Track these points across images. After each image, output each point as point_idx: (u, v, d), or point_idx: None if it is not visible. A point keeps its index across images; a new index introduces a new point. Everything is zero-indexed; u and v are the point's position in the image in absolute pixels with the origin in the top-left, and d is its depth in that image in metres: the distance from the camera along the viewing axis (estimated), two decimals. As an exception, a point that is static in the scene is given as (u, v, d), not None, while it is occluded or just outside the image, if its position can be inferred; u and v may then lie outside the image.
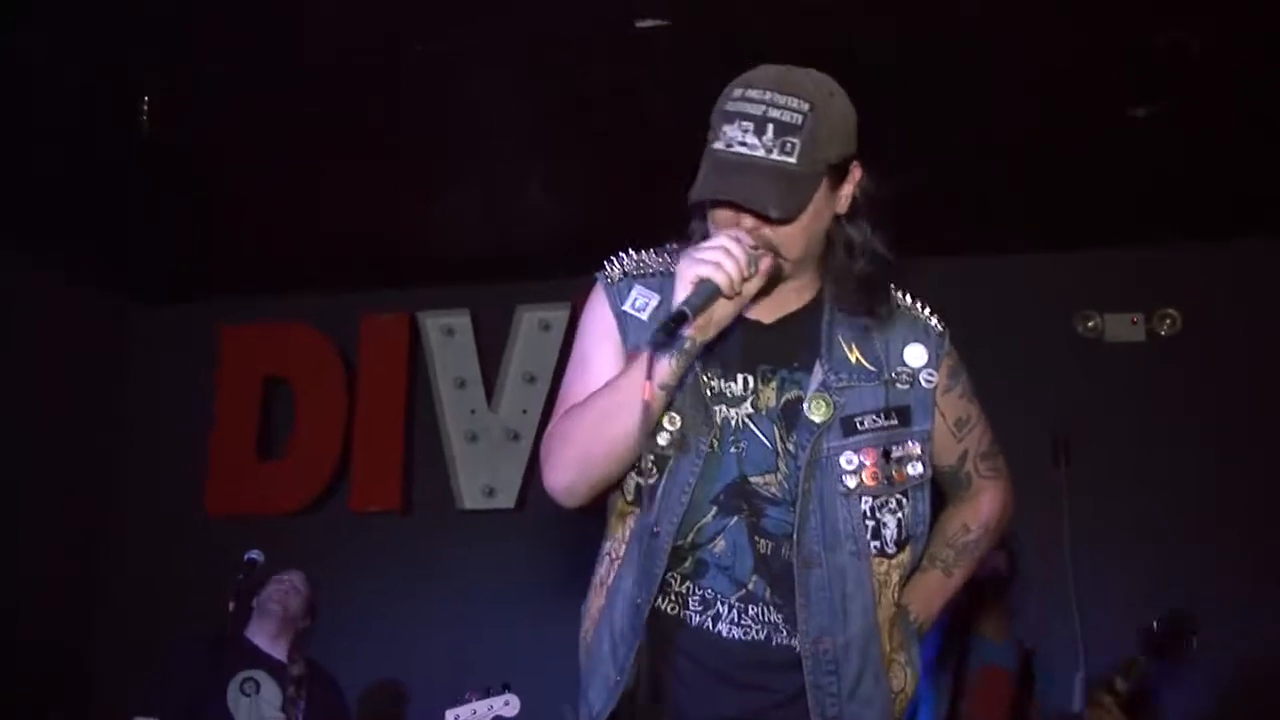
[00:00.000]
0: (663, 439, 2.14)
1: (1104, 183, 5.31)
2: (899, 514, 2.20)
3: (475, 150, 5.14)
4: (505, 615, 5.94)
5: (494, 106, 4.79)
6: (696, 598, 2.16)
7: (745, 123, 2.03)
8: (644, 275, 2.28)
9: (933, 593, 2.36)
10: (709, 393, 2.17)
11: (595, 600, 2.25)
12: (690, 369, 2.12)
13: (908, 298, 2.32)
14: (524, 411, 6.37)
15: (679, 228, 2.27)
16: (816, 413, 2.15)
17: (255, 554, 5.02)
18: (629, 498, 2.21)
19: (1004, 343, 5.64)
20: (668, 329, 1.96)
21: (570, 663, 2.31)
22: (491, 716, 4.40)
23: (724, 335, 2.11)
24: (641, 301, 2.25)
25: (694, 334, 2.04)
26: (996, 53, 4.33)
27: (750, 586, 2.15)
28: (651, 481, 2.14)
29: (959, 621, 4.75)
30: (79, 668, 6.27)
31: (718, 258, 2.00)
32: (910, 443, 2.22)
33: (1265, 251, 5.70)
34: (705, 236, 2.15)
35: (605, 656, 2.18)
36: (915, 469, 2.22)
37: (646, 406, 2.00)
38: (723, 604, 2.15)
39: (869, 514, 2.16)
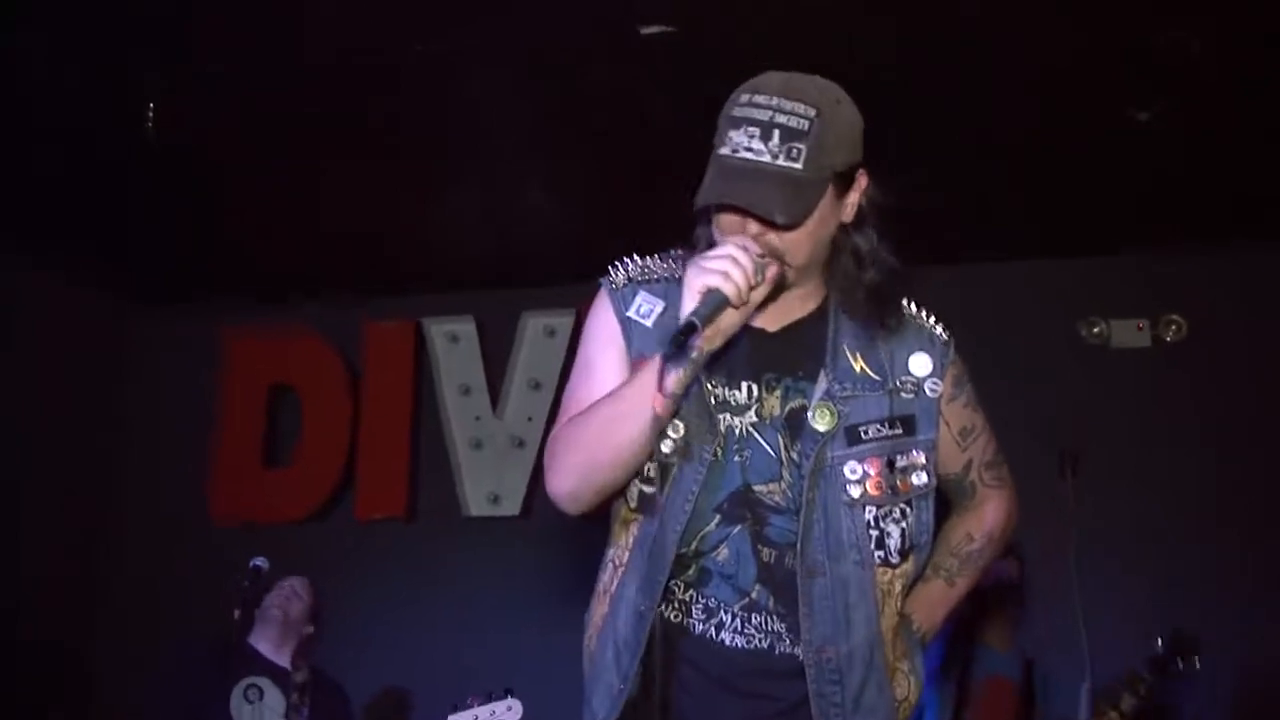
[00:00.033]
0: (666, 446, 2.13)
1: (1108, 188, 5.31)
2: (903, 523, 2.19)
3: (480, 156, 5.15)
4: (510, 622, 5.93)
5: (498, 112, 4.79)
6: (700, 606, 2.15)
7: (751, 128, 2.03)
8: (648, 281, 2.27)
9: (936, 602, 2.36)
10: (713, 400, 2.16)
11: (599, 608, 2.25)
12: (695, 377, 2.12)
13: (913, 306, 2.31)
14: (529, 418, 6.36)
15: (684, 234, 2.26)
16: (821, 422, 2.15)
17: (260, 561, 5.03)
18: (632, 505, 2.20)
19: (1009, 349, 5.64)
20: (679, 342, 1.96)
21: (575, 670, 2.31)
22: None
23: (729, 343, 2.11)
24: (646, 308, 2.24)
25: (701, 343, 2.03)
26: (998, 56, 4.33)
27: (753, 595, 2.14)
28: (655, 489, 2.14)
29: (964, 630, 4.74)
30: (79, 668, 6.27)
31: (725, 267, 1.99)
32: (915, 452, 2.21)
33: (1271, 256, 5.69)
34: (710, 242, 2.14)
35: (609, 664, 2.18)
36: (920, 479, 2.22)
37: (657, 419, 1.99)
38: (726, 612, 2.15)
39: (873, 523, 2.16)
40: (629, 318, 2.24)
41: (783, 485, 2.15)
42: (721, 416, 2.16)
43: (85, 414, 6.55)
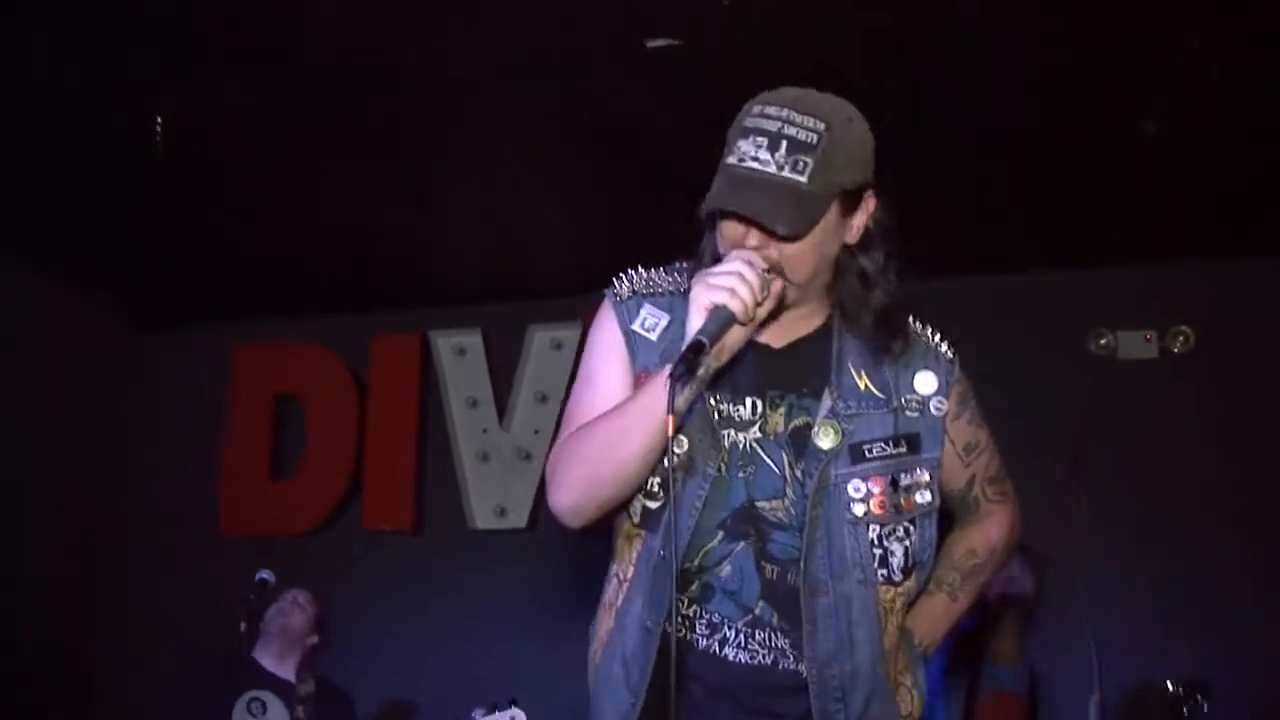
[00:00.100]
0: (670, 462, 2.11)
1: (1116, 199, 5.31)
2: (906, 542, 2.19)
3: (487, 170, 5.16)
4: (516, 634, 5.93)
5: (504, 126, 4.81)
6: (703, 621, 2.15)
7: (760, 138, 2.02)
8: (653, 294, 2.26)
9: (938, 617, 2.35)
10: (717, 416, 2.16)
11: (604, 622, 2.24)
12: (700, 394, 2.12)
13: (918, 323, 2.31)
14: (536, 431, 6.37)
15: (690, 246, 2.25)
16: (825, 440, 2.14)
17: (266, 574, 5.05)
18: (636, 520, 2.19)
19: (1018, 361, 5.64)
20: (689, 362, 1.95)
21: (580, 682, 2.31)
22: None
23: (734, 358, 2.10)
24: (651, 321, 2.23)
25: (708, 360, 2.02)
26: (1002, 64, 4.34)
27: (757, 611, 2.14)
28: (659, 505, 2.14)
29: (969, 643, 4.72)
30: (79, 669, 6.27)
31: (732, 283, 1.98)
32: (919, 470, 2.21)
33: (1278, 267, 5.69)
34: (715, 253, 2.14)
35: (617, 680, 2.17)
36: (924, 497, 2.21)
37: (668, 439, 1.98)
38: (729, 628, 2.14)
39: (876, 542, 2.16)
40: (633, 331, 2.23)
41: (786, 502, 2.14)
42: (726, 432, 2.15)
43: (90, 420, 6.56)
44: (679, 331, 2.11)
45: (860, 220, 2.15)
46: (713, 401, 2.15)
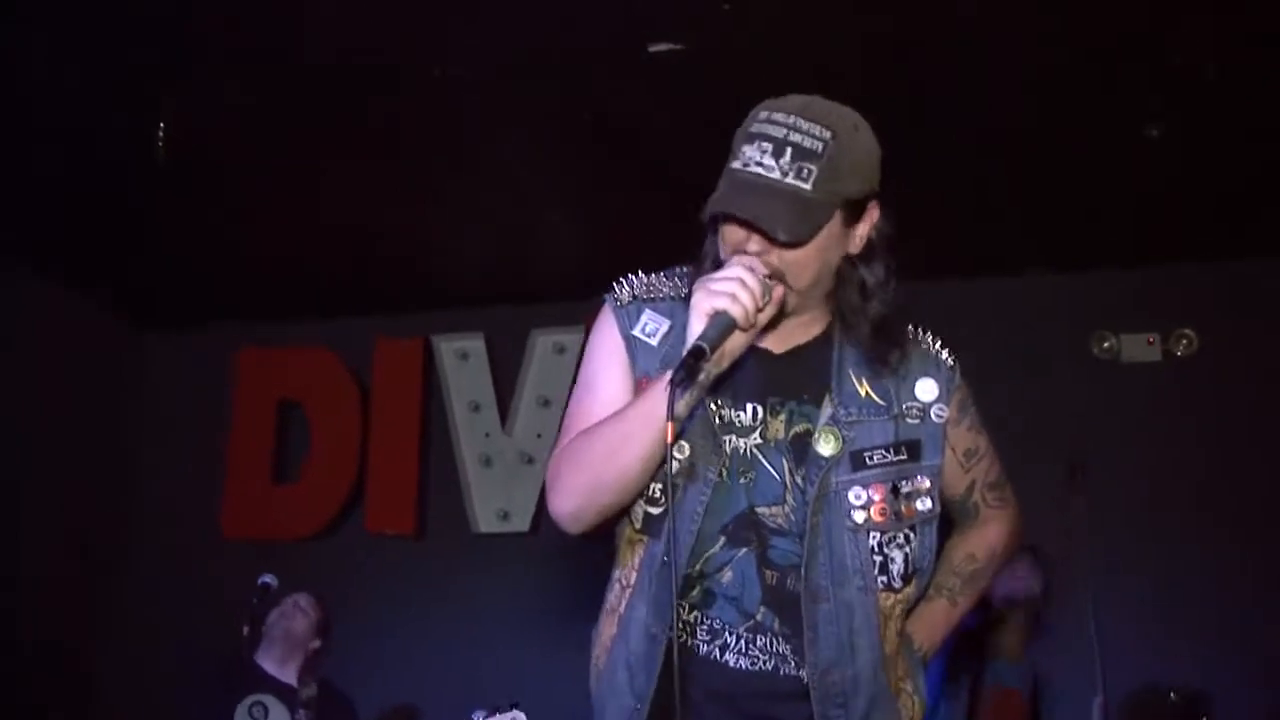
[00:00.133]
0: (672, 468, 2.09)
1: (1114, 200, 5.30)
2: (906, 549, 2.19)
3: (491, 173, 5.15)
4: (519, 638, 5.92)
5: (505, 126, 4.80)
6: (704, 627, 2.15)
7: (765, 144, 2.02)
8: (654, 299, 2.26)
9: (938, 622, 2.36)
10: (718, 421, 2.16)
11: (607, 628, 2.24)
12: (700, 399, 2.11)
13: (918, 330, 2.31)
14: (538, 435, 6.36)
15: (691, 248, 2.25)
16: (825, 447, 2.14)
17: (269, 578, 5.05)
18: (637, 526, 2.19)
19: (1021, 363, 5.66)
20: (690, 368, 1.95)
21: (583, 687, 2.31)
22: None
23: (734, 364, 2.10)
24: (652, 327, 2.23)
25: (709, 365, 2.02)
26: (1001, 65, 4.34)
27: (758, 617, 2.14)
28: (661, 510, 2.13)
29: (973, 641, 4.72)
30: (79, 670, 6.27)
31: (733, 289, 1.98)
32: (919, 477, 2.21)
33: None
34: (717, 257, 2.14)
35: (622, 685, 2.17)
36: (924, 504, 2.21)
37: (668, 446, 1.98)
38: (730, 634, 2.14)
39: (877, 549, 2.16)
40: (634, 336, 2.23)
41: (786, 509, 2.14)
42: (726, 438, 2.15)
43: (90, 420, 6.53)
44: (680, 337, 2.11)
45: (864, 230, 2.14)
46: (714, 407, 2.15)
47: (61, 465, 6.20)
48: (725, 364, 2.06)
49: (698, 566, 2.14)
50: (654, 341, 2.22)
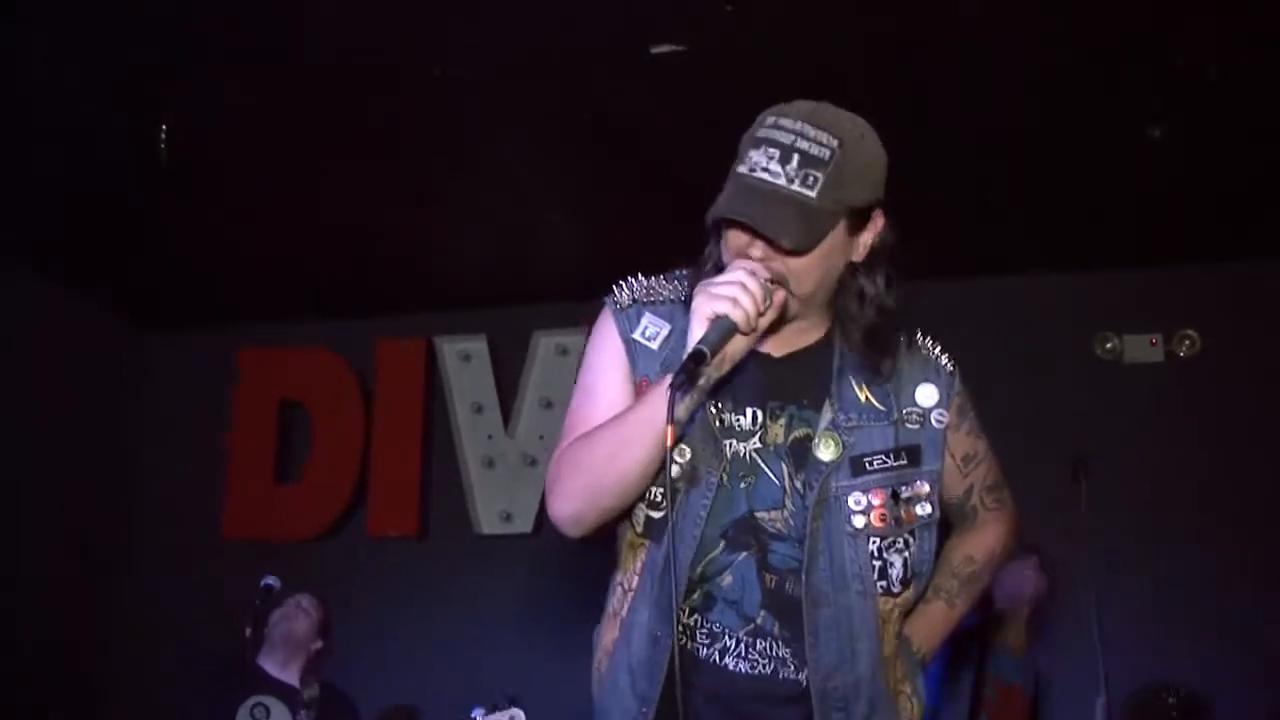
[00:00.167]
0: (673, 471, 2.10)
1: (1115, 201, 5.30)
2: (905, 553, 2.18)
3: (493, 174, 5.15)
4: (522, 640, 5.92)
5: (505, 126, 4.80)
6: (704, 630, 2.15)
7: (772, 150, 2.01)
8: (654, 303, 2.25)
9: (936, 624, 2.35)
10: (718, 425, 2.15)
11: (609, 632, 2.23)
12: (701, 403, 2.10)
13: (918, 334, 2.30)
14: (541, 437, 6.35)
15: (692, 248, 2.24)
16: (825, 452, 2.14)
17: (271, 580, 5.04)
18: (639, 530, 2.18)
19: (1024, 364, 5.66)
20: (690, 372, 1.94)
21: (586, 689, 2.30)
22: None
23: (734, 368, 2.09)
24: (652, 330, 2.22)
25: (710, 370, 2.01)
26: (1003, 66, 4.33)
27: (758, 621, 2.14)
28: (663, 514, 2.13)
29: (977, 638, 4.71)
30: (79, 670, 6.27)
31: (734, 293, 1.97)
32: (919, 482, 2.20)
33: (1280, 271, 5.69)
34: (719, 261, 2.13)
35: (625, 689, 2.17)
36: (924, 509, 2.21)
37: (668, 449, 1.97)
38: (730, 637, 2.14)
39: (876, 554, 2.15)
40: (634, 339, 2.23)
41: (785, 513, 2.14)
42: (727, 442, 2.14)
43: (90, 420, 6.54)
44: (680, 340, 2.10)
45: (867, 238, 2.13)
46: (713, 410, 2.14)
47: (61, 465, 6.20)
48: (726, 368, 2.05)
49: (698, 570, 2.13)
50: (654, 345, 2.21)
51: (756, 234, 2.03)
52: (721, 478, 2.13)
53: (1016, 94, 4.50)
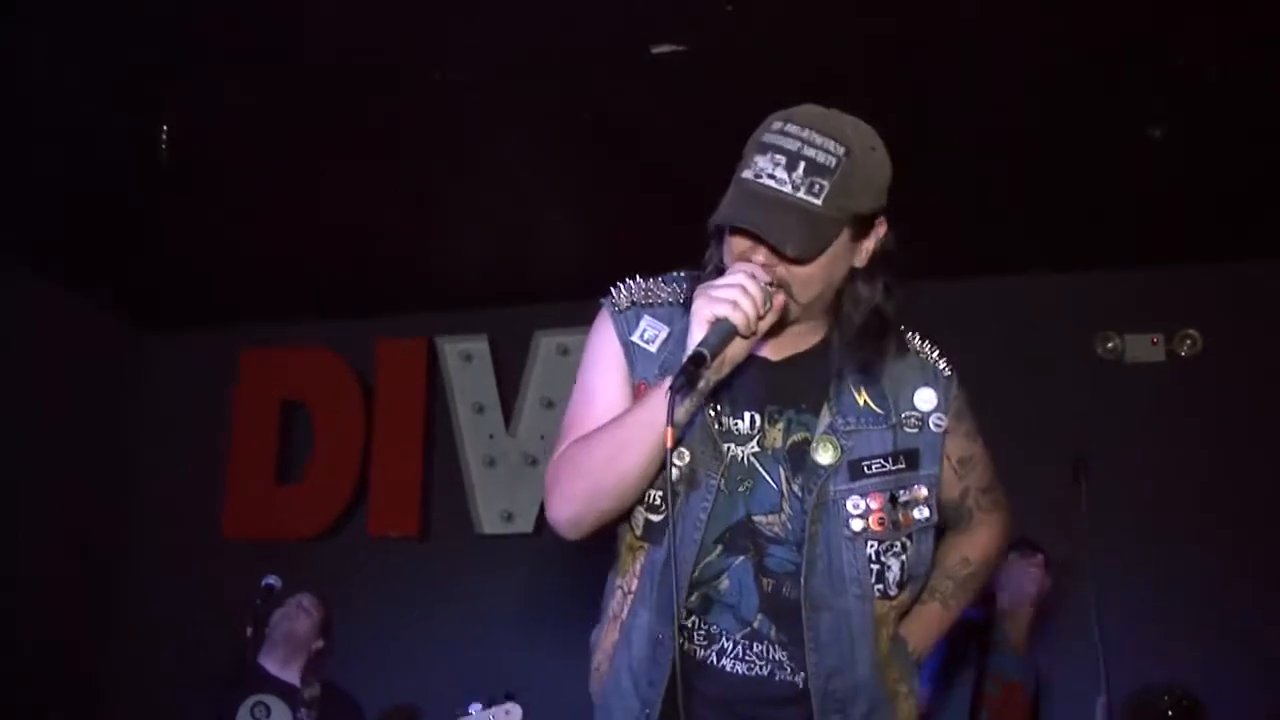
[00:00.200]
0: (673, 474, 2.09)
1: (1116, 201, 5.30)
2: (903, 557, 2.18)
3: (486, 170, 5.15)
4: (523, 639, 5.92)
5: (505, 126, 4.80)
6: (701, 633, 2.14)
7: (779, 156, 2.00)
8: (652, 305, 2.25)
9: (932, 625, 2.34)
10: (717, 428, 2.14)
11: (609, 635, 2.23)
12: (700, 406, 2.10)
13: (916, 339, 2.29)
14: (542, 436, 6.36)
15: (692, 248, 2.24)
16: (824, 456, 2.13)
17: (272, 579, 5.04)
18: (638, 533, 2.18)
19: (1026, 363, 5.66)
20: (690, 374, 1.93)
21: (586, 688, 2.30)
22: None
23: (733, 372, 2.08)
24: (651, 333, 2.22)
25: (709, 373, 2.01)
26: (1003, 66, 4.33)
27: (755, 624, 2.13)
28: (662, 518, 2.12)
29: (981, 632, 4.72)
30: (79, 670, 6.27)
31: (734, 296, 1.96)
32: (917, 486, 2.20)
33: (1280, 271, 5.69)
34: (719, 264, 2.13)
35: (627, 691, 2.16)
36: (921, 513, 2.20)
37: (668, 451, 1.97)
38: (727, 639, 2.14)
39: (874, 557, 2.15)
40: (632, 342, 2.22)
41: (782, 517, 2.13)
42: (726, 446, 2.14)
43: (90, 420, 6.55)
44: (678, 343, 2.10)
45: (870, 245, 2.13)
46: (711, 414, 2.14)
47: (61, 465, 6.21)
48: (726, 371, 2.04)
49: (696, 573, 2.13)
50: (653, 348, 2.21)
51: (760, 240, 2.02)
52: (720, 482, 2.12)
53: (1016, 94, 4.50)
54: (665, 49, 4.23)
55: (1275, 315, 5.67)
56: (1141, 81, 4.39)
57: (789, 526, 2.12)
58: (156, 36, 4.26)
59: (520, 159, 5.03)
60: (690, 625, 2.14)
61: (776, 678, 2.12)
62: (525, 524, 6.32)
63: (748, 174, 2.02)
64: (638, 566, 2.18)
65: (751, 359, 2.11)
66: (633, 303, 2.26)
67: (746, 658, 2.13)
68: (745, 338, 2.00)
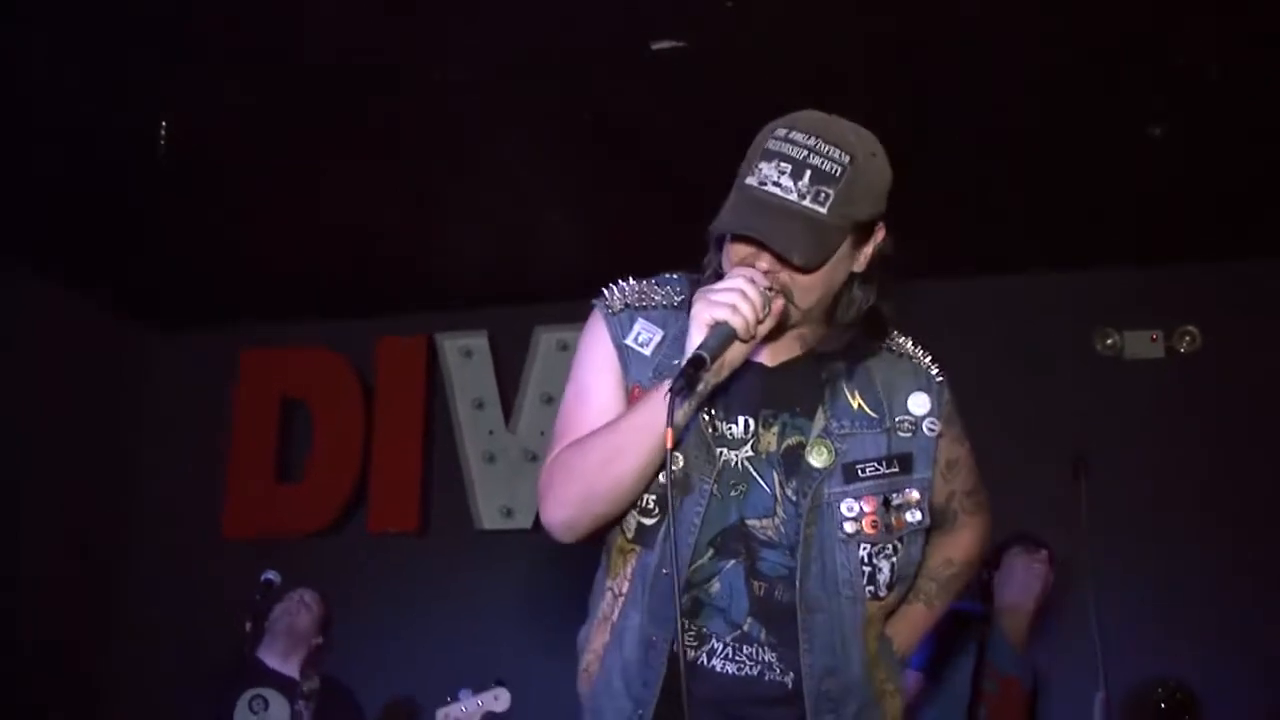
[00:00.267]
0: (666, 479, 2.08)
1: (1116, 200, 5.30)
2: (893, 559, 2.19)
3: (486, 169, 5.15)
4: (522, 635, 5.92)
5: (505, 126, 4.80)
6: (691, 634, 2.14)
7: (784, 164, 2.00)
8: (646, 308, 2.25)
9: (916, 625, 2.36)
10: (711, 432, 2.15)
11: (599, 636, 2.23)
12: (696, 410, 2.10)
13: (909, 343, 2.31)
14: (542, 433, 6.34)
15: (692, 248, 2.24)
16: (818, 459, 2.14)
17: (272, 575, 5.05)
18: (630, 536, 2.18)
19: (1025, 360, 5.66)
20: (689, 377, 1.94)
21: (587, 683, 2.30)
22: (481, 713, 4.41)
23: (729, 376, 2.08)
24: (645, 336, 2.22)
25: (708, 376, 2.01)
26: (1003, 65, 4.33)
27: (745, 628, 2.14)
28: (655, 521, 2.13)
29: (981, 626, 4.72)
30: (79, 670, 6.27)
31: (734, 300, 1.97)
32: (910, 490, 2.20)
33: (1280, 269, 5.69)
34: (719, 269, 2.13)
35: (619, 692, 2.17)
36: (914, 516, 2.21)
37: (668, 453, 1.97)
38: (717, 641, 2.14)
39: (866, 560, 2.16)
40: (627, 345, 2.22)
41: (776, 521, 2.14)
42: (719, 450, 2.14)
43: (90, 420, 6.54)
44: (673, 346, 2.12)
45: (869, 250, 2.14)
46: (705, 419, 2.14)
47: (61, 465, 6.21)
48: (724, 374, 2.05)
49: (687, 576, 2.13)
50: (647, 351, 2.21)
51: (765, 248, 2.02)
52: (713, 486, 2.13)
53: (1016, 93, 4.50)
54: (665, 45, 4.23)
55: (1274, 313, 5.66)
56: (1141, 80, 4.39)
57: (782, 530, 2.13)
58: (156, 36, 4.25)
59: (520, 159, 5.03)
60: (680, 627, 2.14)
61: (766, 678, 2.13)
62: (525, 520, 6.32)
63: (752, 181, 2.02)
64: (629, 569, 2.18)
65: (747, 364, 2.11)
66: (626, 305, 2.26)
67: (736, 658, 2.13)
68: (744, 342, 2.00)
